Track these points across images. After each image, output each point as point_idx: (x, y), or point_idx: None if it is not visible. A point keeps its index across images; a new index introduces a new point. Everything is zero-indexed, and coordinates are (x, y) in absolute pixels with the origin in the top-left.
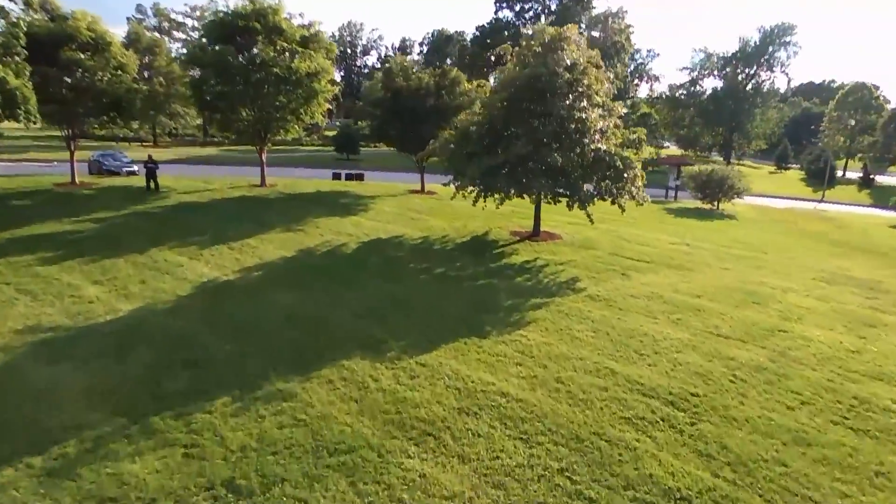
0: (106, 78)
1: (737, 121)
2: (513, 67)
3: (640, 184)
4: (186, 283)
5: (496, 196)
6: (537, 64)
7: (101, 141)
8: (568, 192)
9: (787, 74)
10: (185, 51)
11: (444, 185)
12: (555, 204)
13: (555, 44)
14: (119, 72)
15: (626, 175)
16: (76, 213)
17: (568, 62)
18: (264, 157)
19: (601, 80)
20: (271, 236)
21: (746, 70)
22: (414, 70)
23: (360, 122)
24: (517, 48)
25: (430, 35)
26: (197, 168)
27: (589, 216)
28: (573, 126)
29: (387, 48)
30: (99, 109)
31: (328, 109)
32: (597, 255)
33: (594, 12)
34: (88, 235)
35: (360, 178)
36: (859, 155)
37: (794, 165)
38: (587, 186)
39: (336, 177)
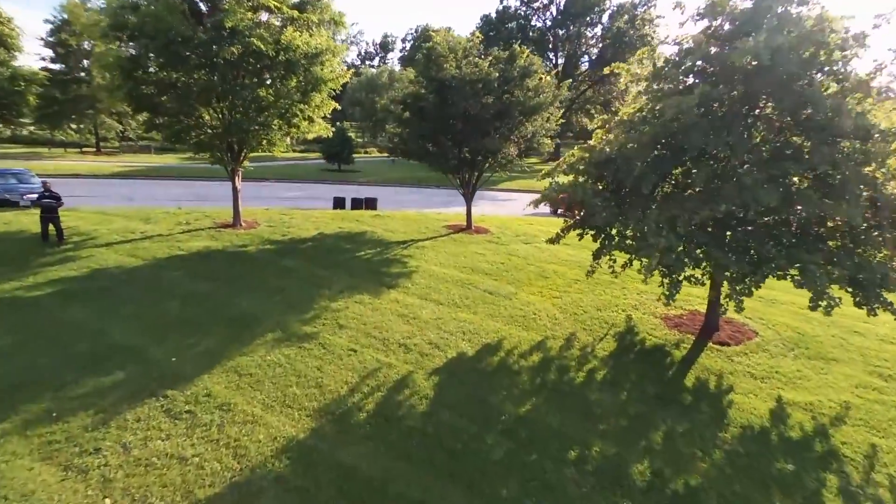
0: None
1: None
2: (703, 39)
3: None
4: None
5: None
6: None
7: (28, 147)
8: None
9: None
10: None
11: (562, 237)
12: (827, 306)
13: None
14: None
15: None
16: None
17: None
18: (239, 182)
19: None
20: (257, 362)
21: None
22: (466, 52)
23: (345, 123)
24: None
25: (413, 31)
26: (144, 187)
27: None
28: (858, 147)
29: (367, 44)
30: None
31: (334, 109)
32: (864, 382)
33: (616, 1)
34: None
35: (372, 205)
36: None
37: None
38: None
39: (338, 204)
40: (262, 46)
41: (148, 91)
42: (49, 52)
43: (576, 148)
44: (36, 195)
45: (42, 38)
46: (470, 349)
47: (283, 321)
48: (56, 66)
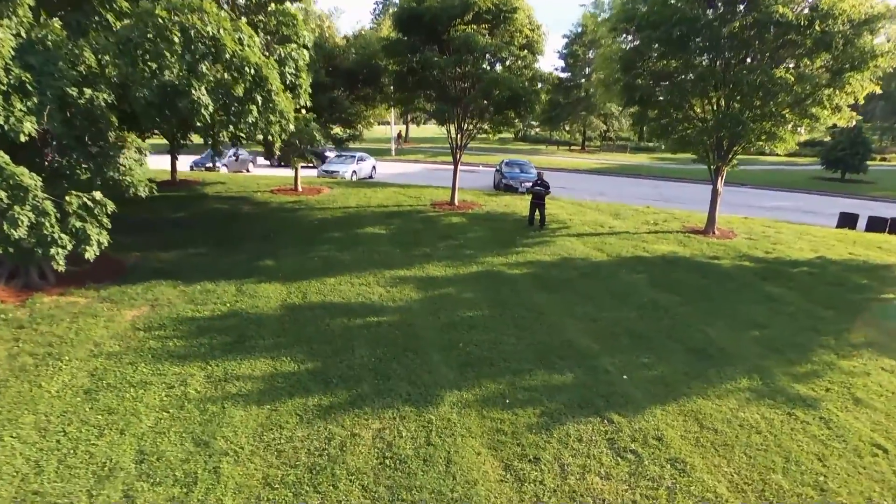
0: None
1: None
2: None
3: None
4: None
5: None
6: None
7: (531, 144)
8: None
9: None
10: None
11: None
12: None
13: None
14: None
15: None
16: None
17: None
18: (721, 184)
19: None
20: (725, 416)
21: None
22: None
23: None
24: None
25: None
26: (615, 183)
27: None
28: None
29: None
30: (497, 105)
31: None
32: None
33: None
34: None
35: None
36: None
37: None
38: None
39: (846, 222)
40: (787, 14)
41: (643, 83)
42: (560, 63)
43: None
44: (531, 183)
45: (558, 52)
46: None
47: (764, 368)
48: (564, 75)
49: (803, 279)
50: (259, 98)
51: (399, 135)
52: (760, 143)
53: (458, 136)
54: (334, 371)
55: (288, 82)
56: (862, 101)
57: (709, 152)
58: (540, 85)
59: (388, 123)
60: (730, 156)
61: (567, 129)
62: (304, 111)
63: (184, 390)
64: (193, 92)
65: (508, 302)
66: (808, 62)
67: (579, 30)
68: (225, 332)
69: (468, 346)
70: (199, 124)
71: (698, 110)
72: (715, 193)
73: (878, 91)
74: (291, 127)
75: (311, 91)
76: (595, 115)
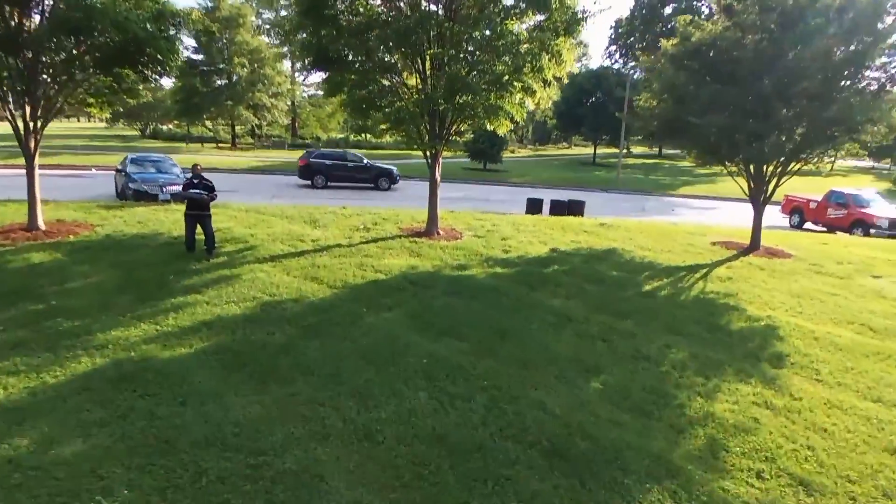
0: None
1: None
2: None
3: None
4: None
5: None
6: None
7: (166, 142)
8: None
9: None
10: None
11: None
12: None
13: None
14: None
15: None
16: None
17: None
18: (438, 173)
19: None
20: None
21: None
22: None
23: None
24: None
25: None
26: (284, 182)
27: None
28: None
29: None
30: (103, 58)
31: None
32: None
33: None
34: None
35: (578, 210)
36: None
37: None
38: None
39: (534, 208)
40: None
41: (330, 33)
42: (192, 42)
43: None
44: (180, 186)
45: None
46: None
47: (667, 462)
48: (198, 57)
49: (565, 282)
50: None
51: None
52: (485, 119)
53: (30, 108)
54: None
55: None
56: (567, 80)
57: (423, 132)
58: (173, 30)
59: None
60: (446, 136)
61: (209, 125)
62: None
63: None
64: None
65: (182, 450)
66: (528, 17)
67: (210, 4)
68: None
69: None
70: None
71: (406, 76)
72: (434, 186)
73: (575, 71)
74: None
75: None
76: (244, 107)
